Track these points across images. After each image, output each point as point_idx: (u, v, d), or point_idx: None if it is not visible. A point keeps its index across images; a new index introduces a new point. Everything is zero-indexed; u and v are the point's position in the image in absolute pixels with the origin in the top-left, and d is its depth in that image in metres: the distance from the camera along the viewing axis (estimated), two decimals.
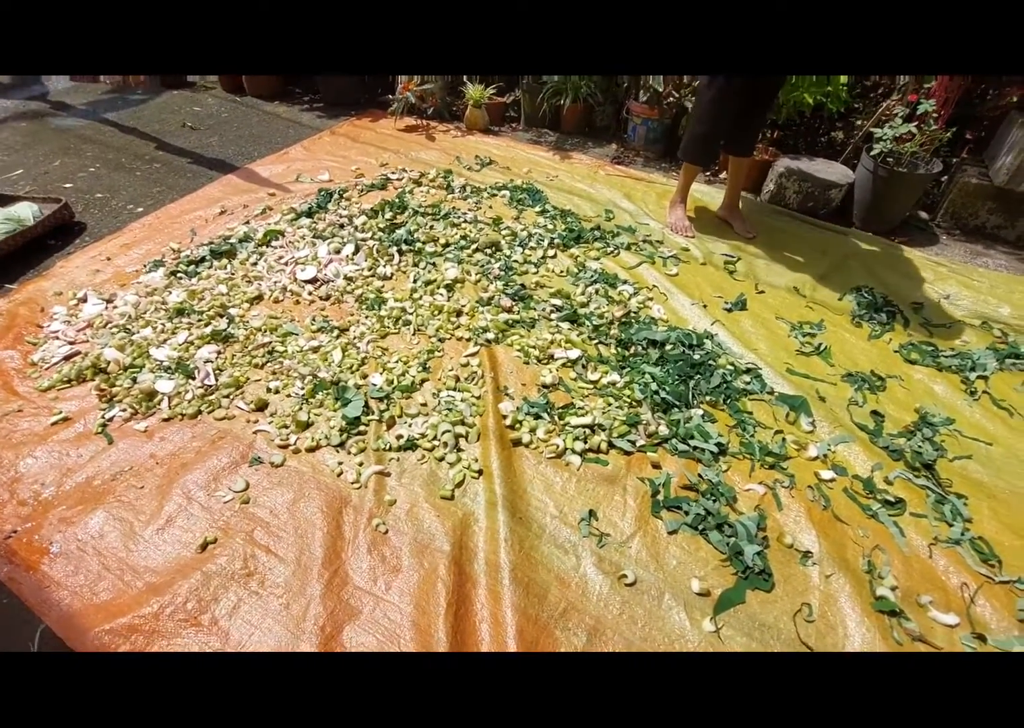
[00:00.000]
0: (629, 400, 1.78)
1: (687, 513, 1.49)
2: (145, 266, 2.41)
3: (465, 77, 3.84)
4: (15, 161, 3.29)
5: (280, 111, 4.08)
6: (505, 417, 1.73)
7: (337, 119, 3.91)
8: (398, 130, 3.73)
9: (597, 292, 2.24)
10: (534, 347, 1.98)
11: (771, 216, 2.86)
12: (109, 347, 1.96)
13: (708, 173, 3.30)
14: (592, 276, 2.33)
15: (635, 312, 2.15)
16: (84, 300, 2.24)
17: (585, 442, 1.66)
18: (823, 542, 1.44)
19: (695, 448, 1.65)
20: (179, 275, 2.34)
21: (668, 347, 1.97)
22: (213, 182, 3.09)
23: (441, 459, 1.63)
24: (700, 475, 1.59)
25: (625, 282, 2.31)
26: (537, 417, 1.73)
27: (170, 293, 2.23)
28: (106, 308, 2.19)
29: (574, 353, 1.94)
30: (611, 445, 1.66)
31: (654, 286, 2.32)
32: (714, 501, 1.52)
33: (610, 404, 1.77)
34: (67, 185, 3.06)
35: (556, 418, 1.73)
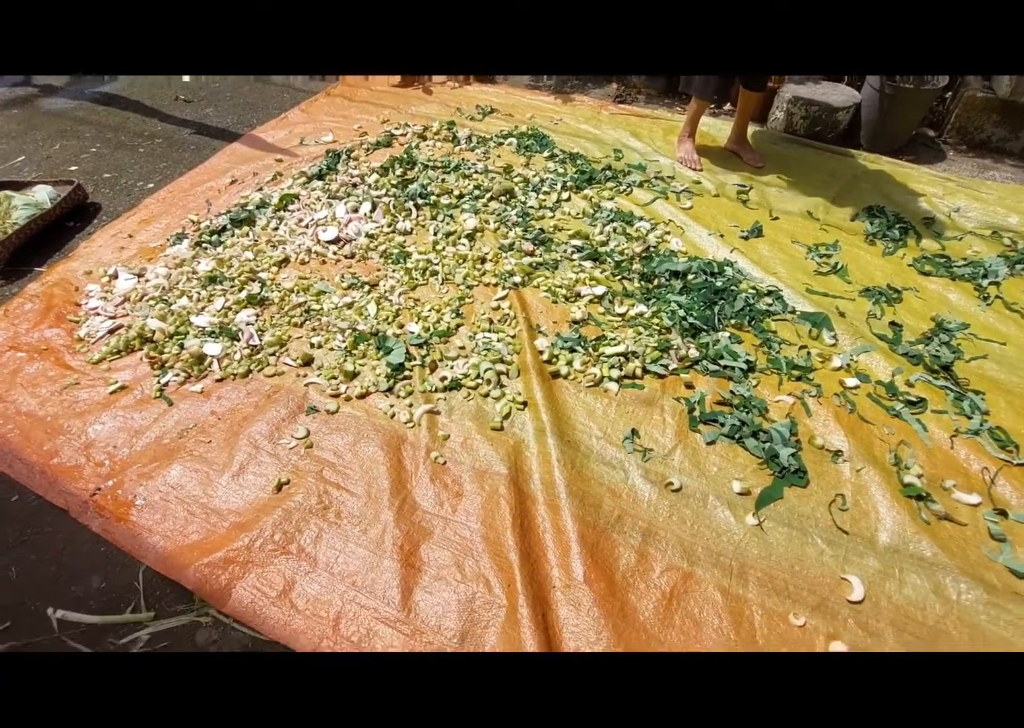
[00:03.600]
0: (658, 328, 1.86)
1: (723, 425, 1.59)
2: (168, 239, 2.46)
3: None
4: (15, 148, 3.28)
5: (270, 77, 4.00)
6: (541, 353, 1.81)
7: (329, 80, 3.84)
8: (392, 86, 3.67)
9: (615, 231, 2.29)
10: (560, 287, 2.04)
11: (779, 144, 2.86)
12: (151, 318, 2.04)
13: (712, 105, 3.27)
14: (608, 215, 2.36)
15: (654, 246, 2.21)
16: (115, 276, 2.29)
17: (620, 369, 1.75)
18: (851, 441, 1.55)
19: (725, 367, 1.74)
20: (204, 245, 2.39)
21: (690, 277, 2.03)
22: (218, 153, 3.08)
23: (486, 395, 1.73)
24: (732, 391, 1.68)
25: (641, 219, 2.35)
26: (572, 350, 1.82)
27: (199, 263, 2.29)
28: (138, 282, 2.25)
29: (600, 289, 2.01)
30: (645, 370, 1.76)
31: (670, 220, 2.37)
32: (747, 413, 1.62)
33: (640, 333, 1.85)
34: (72, 167, 3.06)
35: (590, 350, 1.81)
